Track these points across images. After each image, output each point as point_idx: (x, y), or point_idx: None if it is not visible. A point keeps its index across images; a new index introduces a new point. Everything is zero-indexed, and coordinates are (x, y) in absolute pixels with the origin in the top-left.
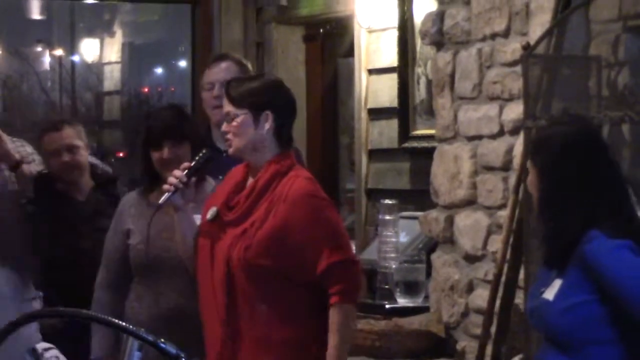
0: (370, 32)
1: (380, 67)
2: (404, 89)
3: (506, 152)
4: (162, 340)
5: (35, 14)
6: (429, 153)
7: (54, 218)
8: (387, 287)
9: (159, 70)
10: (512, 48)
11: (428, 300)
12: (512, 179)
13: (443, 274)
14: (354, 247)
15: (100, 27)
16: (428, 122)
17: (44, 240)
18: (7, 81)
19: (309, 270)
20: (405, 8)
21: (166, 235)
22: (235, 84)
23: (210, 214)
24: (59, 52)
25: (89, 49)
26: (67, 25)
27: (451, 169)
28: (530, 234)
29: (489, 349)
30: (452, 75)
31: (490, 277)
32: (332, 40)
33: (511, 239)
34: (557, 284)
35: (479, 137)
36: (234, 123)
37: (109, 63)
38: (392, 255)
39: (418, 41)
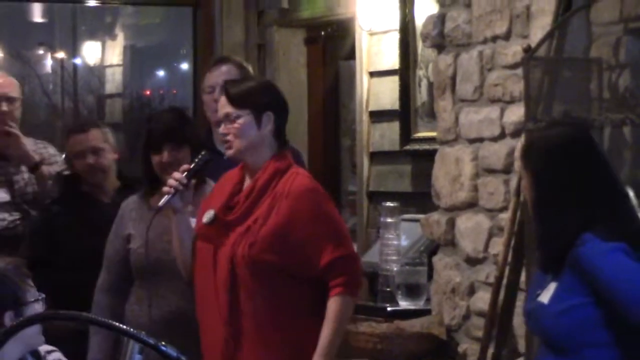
0: (372, 34)
1: (382, 69)
2: (406, 92)
3: (507, 154)
4: (163, 343)
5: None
6: (430, 155)
7: (78, 219)
8: (388, 289)
9: (160, 73)
10: (513, 50)
11: (429, 302)
12: (514, 182)
13: (444, 276)
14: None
15: (101, 30)
16: (429, 125)
17: (67, 241)
18: None
19: (311, 265)
20: (407, 10)
21: (167, 238)
22: (233, 85)
23: (207, 217)
24: (60, 54)
25: (90, 52)
26: (68, 28)
27: (452, 171)
28: (531, 237)
29: (490, 352)
30: (453, 78)
31: (491, 279)
32: (333, 43)
33: (512, 242)
34: (552, 287)
35: (480, 140)
36: (236, 124)
37: (111, 66)
38: (394, 257)
39: (419, 44)
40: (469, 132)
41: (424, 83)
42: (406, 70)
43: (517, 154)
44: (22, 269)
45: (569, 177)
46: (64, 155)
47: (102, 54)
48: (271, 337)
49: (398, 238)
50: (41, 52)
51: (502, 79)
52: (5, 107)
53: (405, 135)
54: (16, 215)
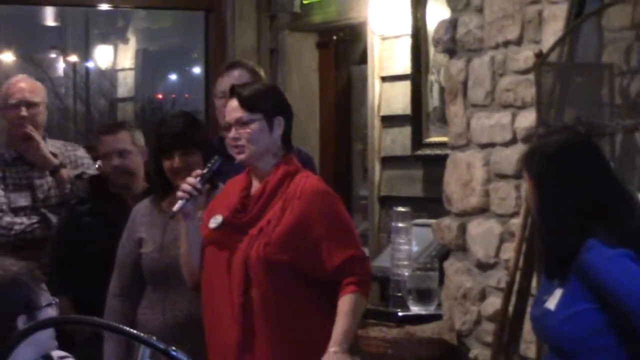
0: (384, 39)
1: (394, 74)
2: (417, 97)
3: (519, 160)
4: (174, 348)
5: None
6: (442, 160)
7: (102, 220)
8: (399, 294)
9: (172, 77)
10: (525, 56)
11: (440, 308)
12: (525, 187)
13: (455, 281)
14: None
15: (114, 34)
16: (441, 130)
17: (90, 241)
18: None
19: (323, 266)
20: (419, 15)
21: (179, 244)
22: (243, 89)
23: (214, 222)
24: (73, 58)
25: (102, 56)
26: (81, 31)
27: (464, 176)
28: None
29: (501, 358)
30: (465, 83)
31: (502, 285)
32: (345, 48)
33: (524, 247)
34: (558, 293)
35: (492, 145)
36: (248, 129)
37: (123, 69)
38: (405, 262)
39: (431, 48)
40: (480, 138)
41: (436, 88)
42: (418, 75)
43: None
44: (36, 272)
45: (571, 183)
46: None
47: (114, 58)
48: (283, 337)
49: (409, 243)
50: (53, 55)
51: (514, 84)
52: (24, 112)
53: (417, 140)
54: (34, 219)
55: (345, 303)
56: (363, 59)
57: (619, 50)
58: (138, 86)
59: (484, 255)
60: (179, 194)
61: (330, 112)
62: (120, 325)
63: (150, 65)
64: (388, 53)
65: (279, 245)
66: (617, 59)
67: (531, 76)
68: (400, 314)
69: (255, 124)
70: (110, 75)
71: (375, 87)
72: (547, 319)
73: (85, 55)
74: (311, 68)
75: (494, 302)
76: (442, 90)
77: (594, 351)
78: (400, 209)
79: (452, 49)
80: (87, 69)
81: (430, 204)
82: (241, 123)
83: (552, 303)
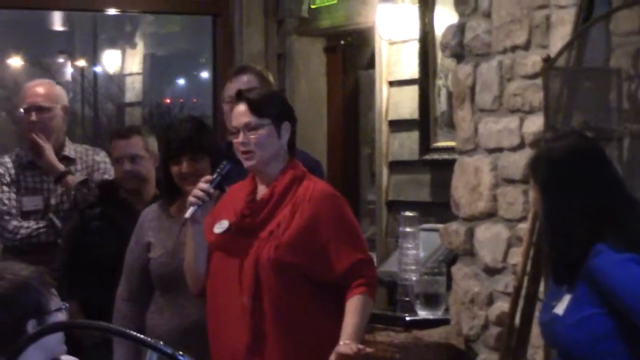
0: (391, 44)
1: (401, 79)
2: (425, 101)
3: (527, 164)
4: (181, 352)
5: (58, 25)
6: (449, 165)
7: (111, 224)
8: (407, 299)
9: (180, 82)
10: (533, 60)
11: (448, 312)
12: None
13: (463, 286)
14: (375, 259)
15: (122, 39)
16: (449, 134)
17: (98, 246)
18: None
19: (331, 268)
20: (426, 20)
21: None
22: (251, 94)
23: (219, 227)
24: (81, 63)
25: (110, 60)
26: (89, 36)
27: (471, 181)
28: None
29: None
30: (473, 88)
31: (510, 289)
32: (353, 52)
33: (531, 252)
34: (566, 298)
35: (500, 150)
36: (257, 134)
37: (131, 74)
38: (413, 267)
39: (439, 53)
40: (488, 142)
41: (444, 93)
42: (425, 79)
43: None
44: (46, 277)
45: (577, 189)
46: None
47: (122, 63)
48: (292, 340)
49: (417, 247)
50: (61, 60)
51: (522, 89)
52: (34, 117)
53: (425, 144)
54: (41, 224)
55: (354, 303)
56: (371, 64)
57: (627, 54)
58: (146, 91)
59: (492, 259)
60: (191, 199)
61: (337, 116)
62: (128, 330)
63: (158, 69)
64: (396, 58)
65: (290, 248)
66: (625, 64)
67: (539, 81)
68: (407, 318)
69: (264, 129)
70: (118, 80)
71: (383, 92)
72: (555, 324)
73: (93, 60)
74: (319, 73)
75: (501, 307)
76: (449, 95)
77: (602, 356)
78: (408, 213)
79: (459, 54)
80: (95, 74)
81: (438, 208)
82: (250, 128)
83: (560, 308)
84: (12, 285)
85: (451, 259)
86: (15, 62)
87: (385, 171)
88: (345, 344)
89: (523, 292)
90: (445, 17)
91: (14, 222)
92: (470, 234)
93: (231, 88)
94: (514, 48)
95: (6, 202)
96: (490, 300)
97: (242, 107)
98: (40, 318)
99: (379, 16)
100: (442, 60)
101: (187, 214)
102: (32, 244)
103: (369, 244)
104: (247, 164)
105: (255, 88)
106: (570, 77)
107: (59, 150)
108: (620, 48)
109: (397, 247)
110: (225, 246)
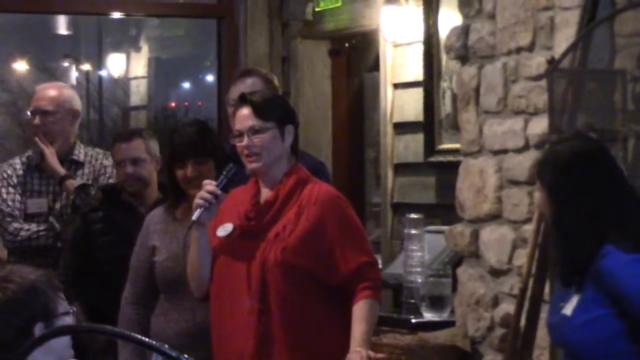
0: (396, 46)
1: (406, 81)
2: (430, 103)
3: (531, 166)
4: (186, 356)
5: (62, 29)
6: (454, 167)
7: (113, 227)
8: (412, 301)
9: (185, 85)
10: (537, 62)
11: (454, 314)
12: (538, 193)
13: (469, 288)
14: (380, 261)
15: (126, 42)
16: (454, 137)
17: (101, 249)
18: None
19: (337, 270)
20: (431, 22)
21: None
22: (255, 97)
23: (223, 231)
24: (86, 67)
25: (115, 64)
26: (94, 40)
27: (476, 183)
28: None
29: None
30: (477, 90)
31: (515, 291)
32: (357, 55)
33: (537, 253)
34: (574, 299)
35: (504, 151)
36: (262, 137)
37: (136, 78)
38: (418, 269)
39: (443, 55)
40: (492, 144)
41: (448, 95)
42: (430, 81)
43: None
44: (54, 280)
45: (583, 191)
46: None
47: (127, 66)
48: (300, 343)
49: (422, 250)
50: (66, 64)
51: (526, 91)
52: (37, 121)
53: (430, 146)
54: (42, 227)
55: (362, 308)
56: (375, 66)
57: (631, 55)
58: (151, 94)
59: (497, 261)
60: (199, 201)
61: (342, 119)
62: (132, 334)
63: (163, 73)
64: (400, 60)
65: (296, 250)
66: (629, 65)
67: (543, 82)
68: (413, 320)
69: (269, 133)
70: (123, 84)
71: (388, 94)
72: (563, 325)
73: (98, 63)
74: (323, 75)
75: (507, 309)
76: (454, 97)
77: (610, 357)
78: (413, 215)
79: (464, 56)
80: (100, 78)
81: (443, 210)
82: (254, 131)
83: (568, 309)
84: (20, 288)
85: (456, 260)
86: (21, 66)
87: (390, 173)
88: (357, 351)
89: (528, 293)
90: (449, 19)
91: (15, 224)
92: (475, 235)
93: (236, 91)
94: (518, 50)
95: (10, 203)
96: (495, 302)
97: (245, 111)
98: (48, 321)
99: (383, 18)
100: (447, 62)
101: (194, 216)
102: (31, 247)
103: (374, 246)
104: (251, 166)
105: (259, 91)
106: (574, 79)
107: (67, 153)
108: (625, 49)
109: (402, 249)
110: (230, 249)
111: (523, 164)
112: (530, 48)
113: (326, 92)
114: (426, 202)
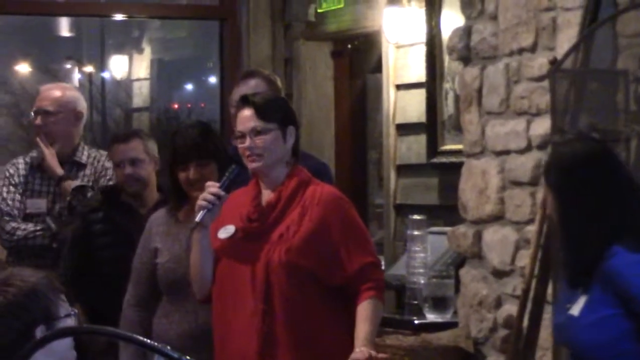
0: (398, 47)
1: (408, 82)
2: (432, 104)
3: (534, 167)
4: (188, 357)
5: (65, 31)
6: (457, 168)
7: (113, 228)
8: (415, 302)
9: (187, 87)
10: (539, 63)
11: (456, 315)
12: (540, 194)
13: (471, 289)
14: (383, 263)
15: (129, 44)
16: (456, 138)
17: (101, 250)
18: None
19: (341, 270)
20: (433, 23)
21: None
22: (257, 98)
23: (224, 233)
24: (88, 68)
25: (118, 66)
26: (96, 42)
27: (479, 184)
28: (558, 249)
29: None
30: (480, 91)
31: (518, 292)
32: (360, 56)
33: (539, 254)
34: (582, 300)
35: (507, 152)
36: (264, 138)
37: (138, 79)
38: (421, 270)
39: (446, 56)
40: (495, 145)
41: (451, 96)
42: (433, 83)
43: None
44: (55, 283)
45: (589, 193)
46: None
47: (130, 68)
48: (304, 343)
49: (425, 251)
50: (69, 66)
51: (529, 92)
52: (38, 121)
53: (432, 148)
54: (39, 227)
55: (366, 308)
56: (378, 68)
57: (633, 56)
58: (153, 96)
59: (500, 262)
60: (202, 203)
61: (345, 120)
62: (134, 335)
63: (165, 75)
64: (403, 61)
65: (301, 251)
66: (632, 65)
67: (546, 83)
68: (416, 321)
69: (271, 134)
70: (125, 86)
71: (390, 96)
72: (571, 326)
73: (101, 65)
74: (326, 77)
75: (509, 310)
76: (457, 98)
77: (618, 357)
78: (416, 217)
79: (466, 57)
80: (102, 79)
81: (446, 211)
82: (256, 132)
83: (576, 310)
84: (20, 292)
85: (459, 262)
86: (23, 68)
87: (393, 175)
88: (361, 350)
89: (531, 294)
90: (451, 20)
91: (13, 224)
92: (478, 236)
93: (239, 92)
94: (520, 50)
95: (10, 202)
96: (498, 303)
97: (247, 112)
98: (50, 324)
99: (386, 20)
100: (449, 63)
101: (198, 218)
102: (27, 246)
103: (377, 247)
104: (252, 166)
105: (260, 92)
106: (577, 79)
107: (70, 154)
108: (627, 50)
109: (405, 250)
110: (233, 251)
111: (525, 164)
112: (533, 49)
113: (329, 93)
114: (429, 203)
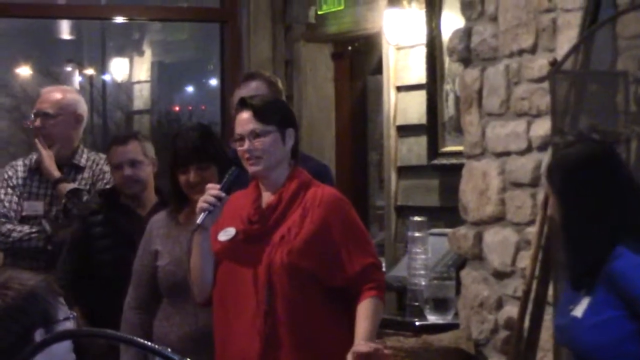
0: (399, 49)
1: (409, 84)
2: (433, 106)
3: (534, 168)
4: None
5: (66, 34)
6: (458, 170)
7: (113, 230)
8: (416, 304)
9: (188, 89)
10: (540, 64)
11: (457, 317)
12: (541, 195)
13: (472, 290)
14: (384, 264)
15: (129, 47)
16: (457, 139)
17: (101, 252)
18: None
19: (342, 271)
20: (433, 25)
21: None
22: (256, 101)
23: (225, 235)
24: (89, 71)
25: (118, 68)
26: (97, 44)
27: (479, 185)
28: (559, 250)
29: None
30: (480, 92)
31: (519, 293)
32: (360, 58)
33: (540, 255)
34: (585, 301)
35: (507, 154)
36: (263, 141)
37: (139, 82)
38: (422, 272)
39: (446, 58)
40: (495, 146)
41: (451, 97)
42: (433, 84)
43: (544, 167)
44: (54, 286)
45: (592, 195)
46: None
47: (130, 71)
48: (306, 345)
49: (426, 252)
50: (70, 68)
51: (529, 93)
52: (38, 123)
53: (433, 149)
54: (34, 229)
55: (366, 307)
56: (378, 69)
57: (633, 57)
58: (154, 98)
59: (501, 263)
60: (203, 205)
61: (345, 122)
62: (134, 338)
63: (166, 77)
64: (403, 63)
65: (302, 252)
66: (631, 67)
67: (546, 84)
68: (417, 323)
69: (270, 136)
70: (126, 88)
71: (391, 97)
72: (573, 327)
73: (102, 68)
74: (326, 78)
75: (510, 311)
76: (457, 99)
77: (621, 358)
78: (417, 218)
79: (466, 58)
80: (103, 82)
81: (447, 213)
82: (255, 135)
83: (579, 311)
84: (19, 295)
85: (460, 263)
86: (24, 71)
87: (393, 176)
88: (362, 343)
89: (532, 295)
90: (452, 22)
91: (9, 225)
92: (478, 238)
93: (240, 95)
94: (520, 52)
95: (7, 204)
96: (499, 304)
97: (246, 114)
98: (48, 327)
99: (386, 21)
100: (450, 64)
101: (199, 220)
102: (22, 248)
103: (378, 249)
104: (252, 169)
105: (259, 95)
106: (577, 81)
107: (69, 157)
108: (627, 51)
109: (406, 252)
110: (234, 254)
111: (526, 166)
112: (533, 50)
113: (329, 95)
114: (430, 204)
